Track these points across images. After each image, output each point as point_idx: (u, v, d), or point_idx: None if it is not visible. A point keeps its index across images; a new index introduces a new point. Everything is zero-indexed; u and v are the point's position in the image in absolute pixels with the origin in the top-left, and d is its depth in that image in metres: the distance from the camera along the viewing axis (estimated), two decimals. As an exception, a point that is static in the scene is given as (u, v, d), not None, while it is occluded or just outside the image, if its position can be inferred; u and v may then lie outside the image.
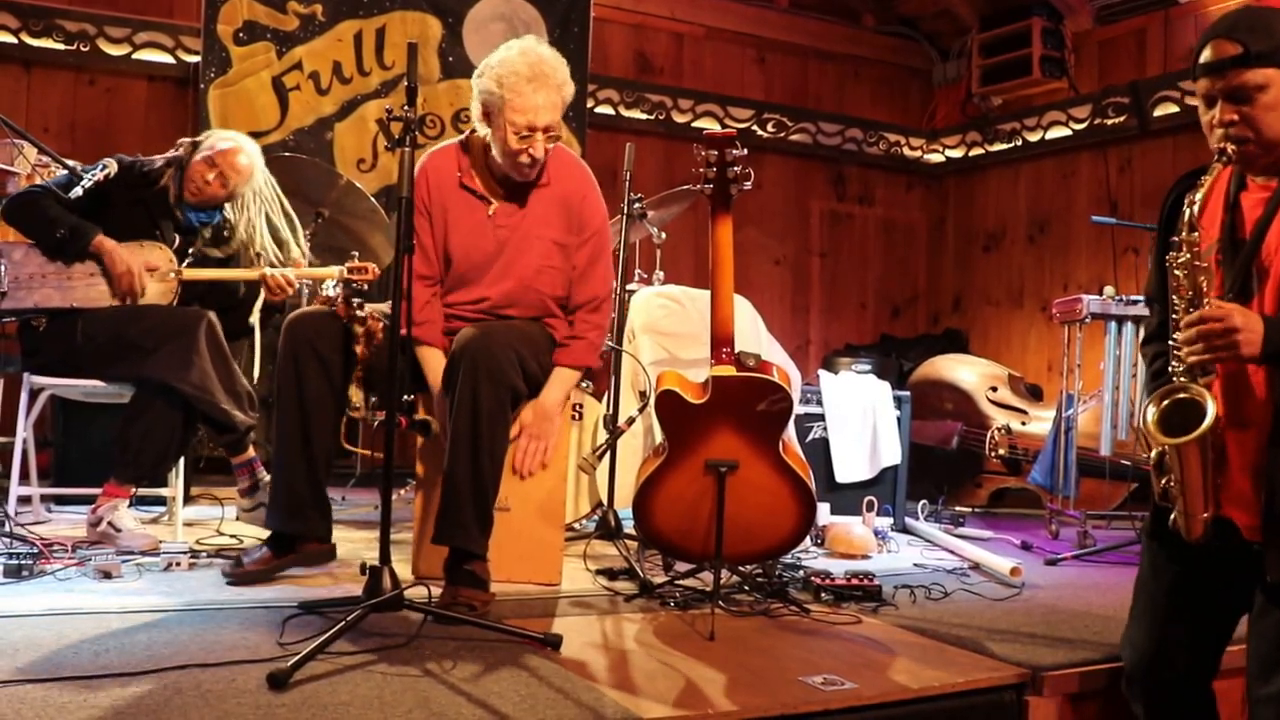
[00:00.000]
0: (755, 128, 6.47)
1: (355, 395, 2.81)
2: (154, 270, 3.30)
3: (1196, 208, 1.95)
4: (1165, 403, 1.93)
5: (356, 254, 3.64)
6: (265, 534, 2.89)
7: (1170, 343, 1.96)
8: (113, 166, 3.29)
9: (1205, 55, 1.92)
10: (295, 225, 3.64)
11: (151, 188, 3.35)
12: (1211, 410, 1.86)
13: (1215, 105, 1.92)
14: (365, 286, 3.78)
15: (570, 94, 2.83)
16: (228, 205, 3.46)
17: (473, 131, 2.91)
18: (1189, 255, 1.94)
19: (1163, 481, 1.98)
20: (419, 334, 2.81)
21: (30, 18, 4.88)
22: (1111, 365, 3.98)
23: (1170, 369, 1.96)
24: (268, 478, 3.38)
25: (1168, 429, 1.91)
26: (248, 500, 3.43)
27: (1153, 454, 1.99)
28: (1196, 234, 1.94)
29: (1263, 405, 1.91)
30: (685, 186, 3.85)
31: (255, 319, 3.46)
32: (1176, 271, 1.96)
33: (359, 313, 2.79)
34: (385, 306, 2.94)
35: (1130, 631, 2.17)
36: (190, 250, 3.42)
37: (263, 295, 3.44)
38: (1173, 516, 1.99)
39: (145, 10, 5.13)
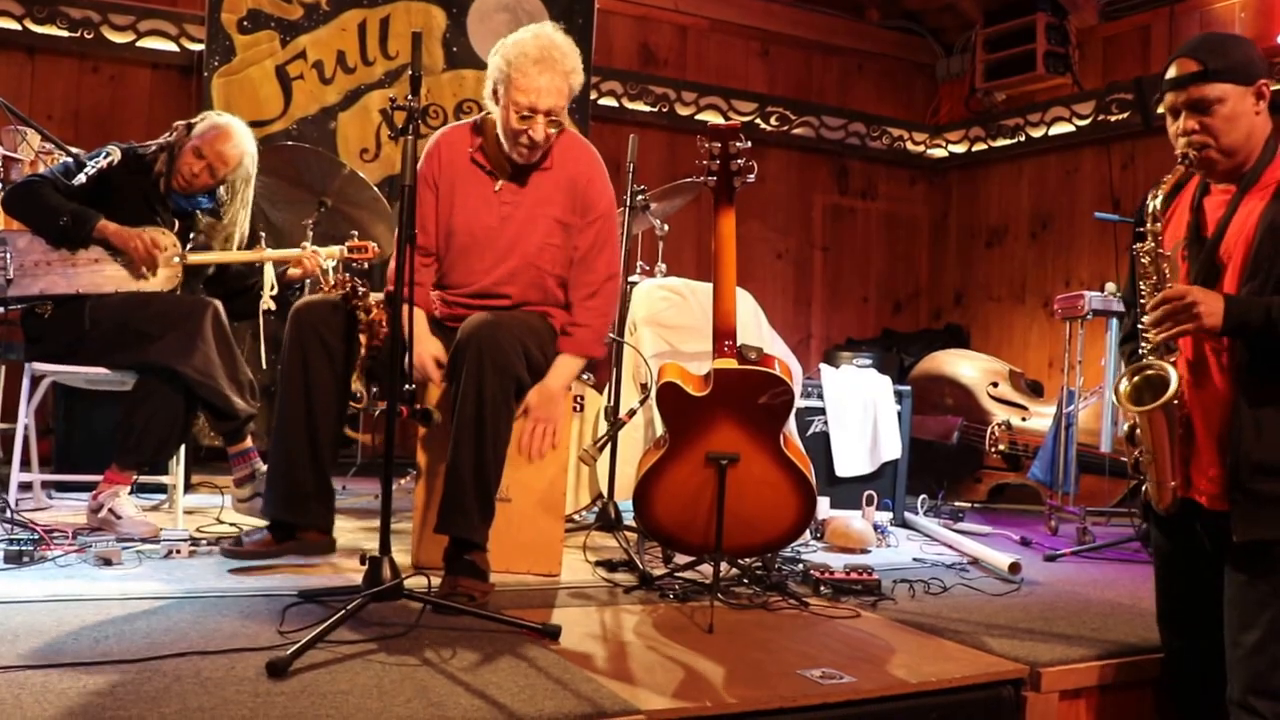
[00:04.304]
0: (758, 121, 6.46)
1: (357, 385, 2.81)
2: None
3: (1159, 202, 2.17)
4: (1136, 378, 2.14)
5: (356, 233, 3.64)
6: (264, 524, 2.89)
7: (1139, 326, 2.15)
8: (115, 154, 3.29)
9: (1170, 72, 2.15)
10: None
11: (148, 174, 3.35)
12: (1174, 379, 2.06)
13: (1180, 117, 2.14)
14: (366, 265, 3.78)
15: (579, 84, 2.83)
16: (221, 187, 3.45)
17: (487, 114, 2.93)
18: (1153, 244, 2.16)
19: (1135, 453, 2.20)
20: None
21: (35, 4, 4.87)
22: (1113, 362, 3.97)
23: (1140, 350, 2.15)
24: (265, 468, 3.38)
25: (1137, 402, 2.12)
26: (243, 490, 3.42)
27: (1124, 427, 2.22)
28: (1159, 225, 2.17)
29: (1224, 382, 2.10)
30: (688, 179, 3.84)
31: (268, 303, 3.45)
32: (1143, 259, 2.17)
33: (363, 301, 2.78)
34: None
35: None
36: (191, 235, 3.42)
37: (271, 274, 3.44)
38: (1144, 488, 2.21)
39: (149, -2, 5.13)
